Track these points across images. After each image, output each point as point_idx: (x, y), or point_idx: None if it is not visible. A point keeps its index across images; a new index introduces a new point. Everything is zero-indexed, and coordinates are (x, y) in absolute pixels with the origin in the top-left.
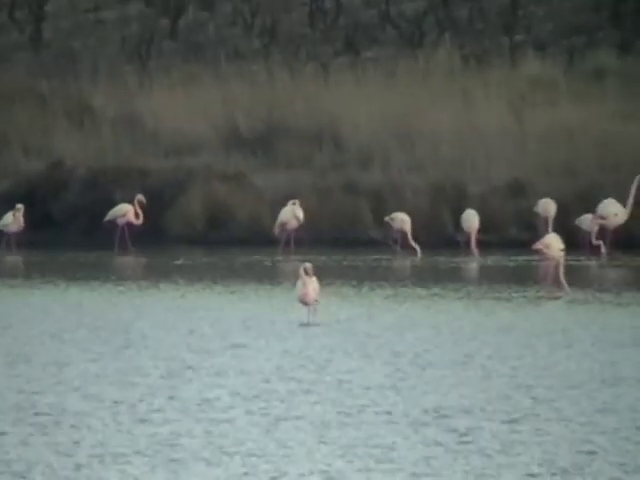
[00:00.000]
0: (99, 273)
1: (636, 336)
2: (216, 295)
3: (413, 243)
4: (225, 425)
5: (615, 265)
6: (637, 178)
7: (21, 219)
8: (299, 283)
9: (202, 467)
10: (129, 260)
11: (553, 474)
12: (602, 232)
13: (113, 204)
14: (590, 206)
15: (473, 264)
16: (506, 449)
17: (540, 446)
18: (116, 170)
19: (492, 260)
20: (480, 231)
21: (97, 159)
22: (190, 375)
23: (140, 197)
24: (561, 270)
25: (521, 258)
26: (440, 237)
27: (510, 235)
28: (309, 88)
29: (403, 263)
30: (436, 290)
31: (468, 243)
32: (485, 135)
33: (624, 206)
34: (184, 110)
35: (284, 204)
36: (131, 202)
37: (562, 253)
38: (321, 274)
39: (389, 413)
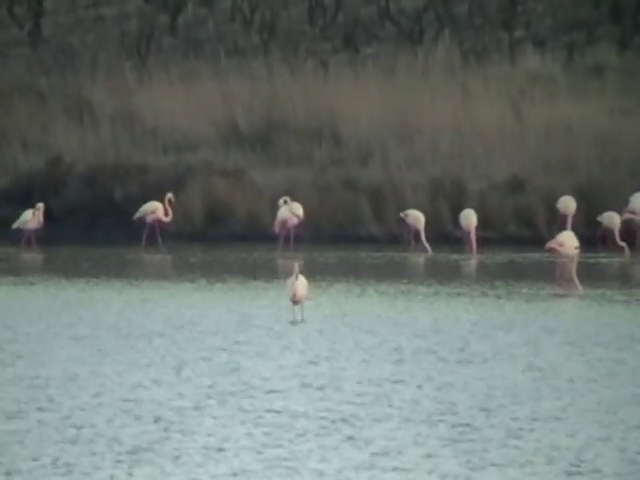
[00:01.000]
0: (138, 271)
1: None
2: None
3: (425, 242)
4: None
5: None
6: None
7: (41, 217)
8: (289, 282)
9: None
10: (159, 258)
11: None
12: (630, 227)
13: (112, 200)
14: (589, 202)
15: (474, 261)
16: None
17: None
18: (115, 166)
19: (494, 257)
20: (478, 229)
21: (96, 155)
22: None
23: (170, 195)
24: (574, 268)
25: (517, 255)
26: (439, 234)
27: (509, 232)
28: (308, 84)
29: (403, 260)
30: (437, 287)
31: (467, 242)
32: (484, 131)
33: None
34: (183, 106)
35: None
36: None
37: (577, 251)
38: (320, 271)
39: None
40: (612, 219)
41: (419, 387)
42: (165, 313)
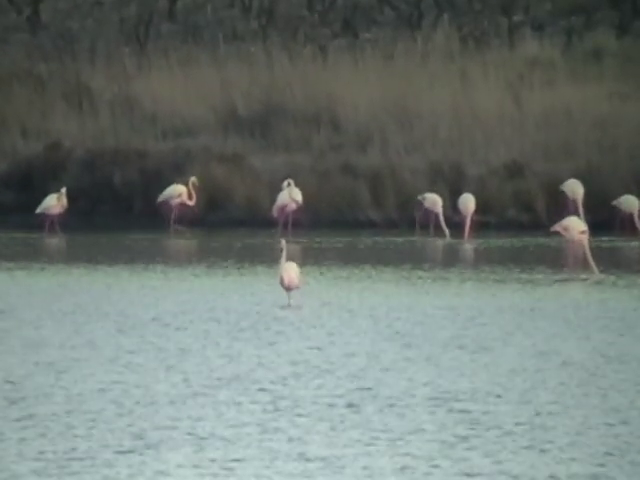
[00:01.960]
0: (160, 256)
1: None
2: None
3: (443, 225)
4: None
5: None
6: None
7: (64, 201)
8: (280, 268)
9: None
10: (185, 242)
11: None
12: None
13: (112, 185)
14: (588, 186)
15: (472, 246)
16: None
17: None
18: (114, 152)
19: (491, 243)
20: (477, 213)
21: (95, 141)
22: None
23: (194, 179)
24: (588, 252)
25: (516, 240)
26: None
27: (508, 216)
28: (307, 70)
29: (402, 244)
30: (437, 272)
31: (463, 226)
32: (483, 116)
33: None
34: (182, 92)
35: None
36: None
37: (584, 235)
38: (319, 256)
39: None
40: (630, 202)
41: (420, 372)
42: (184, 299)
